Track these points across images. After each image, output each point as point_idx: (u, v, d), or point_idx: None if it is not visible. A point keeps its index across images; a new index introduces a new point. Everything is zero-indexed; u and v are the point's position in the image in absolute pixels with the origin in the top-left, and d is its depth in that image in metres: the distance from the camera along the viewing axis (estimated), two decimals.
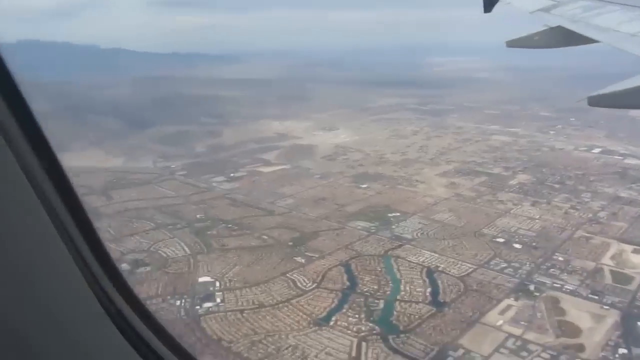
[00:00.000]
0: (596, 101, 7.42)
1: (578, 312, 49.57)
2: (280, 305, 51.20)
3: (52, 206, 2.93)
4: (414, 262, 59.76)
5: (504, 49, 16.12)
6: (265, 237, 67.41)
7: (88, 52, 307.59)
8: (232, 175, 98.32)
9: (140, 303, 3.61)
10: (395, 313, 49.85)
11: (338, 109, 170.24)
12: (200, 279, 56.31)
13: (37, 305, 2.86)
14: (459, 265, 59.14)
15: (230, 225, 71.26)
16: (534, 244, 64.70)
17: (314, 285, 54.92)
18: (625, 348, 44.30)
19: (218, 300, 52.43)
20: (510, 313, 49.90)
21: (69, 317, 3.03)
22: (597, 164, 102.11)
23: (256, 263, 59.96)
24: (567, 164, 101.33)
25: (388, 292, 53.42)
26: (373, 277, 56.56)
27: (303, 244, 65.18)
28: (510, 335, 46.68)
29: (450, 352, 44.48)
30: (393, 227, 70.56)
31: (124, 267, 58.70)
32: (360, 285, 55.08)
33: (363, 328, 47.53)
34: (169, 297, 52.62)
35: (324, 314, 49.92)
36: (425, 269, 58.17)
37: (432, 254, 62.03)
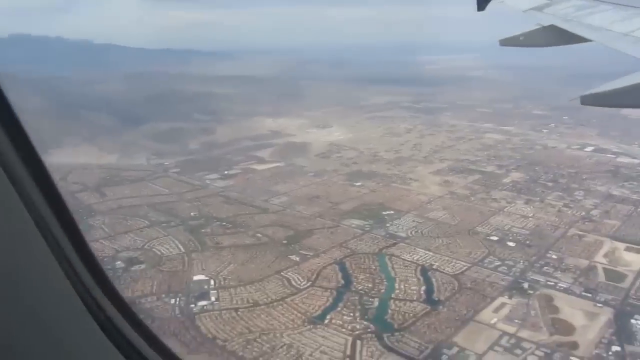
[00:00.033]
0: (589, 100, 7.46)
1: (571, 310, 49.82)
2: (275, 303, 51.13)
3: (34, 204, 2.89)
4: (408, 260, 59.86)
5: (498, 47, 16.14)
6: (259, 235, 67.32)
7: (81, 47, 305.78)
8: (226, 172, 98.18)
9: (124, 301, 3.57)
10: (389, 311, 49.91)
11: (332, 106, 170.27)
12: (195, 277, 56.13)
13: (20, 305, 2.82)
14: (453, 263, 59.31)
15: (224, 223, 71.12)
16: (527, 242, 65.01)
17: (308, 284, 54.90)
18: (618, 346, 44.53)
19: (213, 298, 52.33)
20: (504, 311, 50.07)
21: (51, 315, 2.98)
22: (590, 162, 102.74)
23: (251, 261, 59.87)
24: (560, 162, 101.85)
25: (382, 291, 53.51)
26: (367, 275, 56.63)
27: (297, 242, 65.14)
28: (504, 333, 46.82)
29: (445, 350, 44.56)
30: (387, 225, 70.66)
31: (118, 264, 58.63)
32: (354, 283, 55.10)
33: (358, 326, 47.56)
34: (163, 295, 52.40)
35: (319, 312, 49.90)
36: (419, 267, 58.29)
37: (427, 252, 62.18)
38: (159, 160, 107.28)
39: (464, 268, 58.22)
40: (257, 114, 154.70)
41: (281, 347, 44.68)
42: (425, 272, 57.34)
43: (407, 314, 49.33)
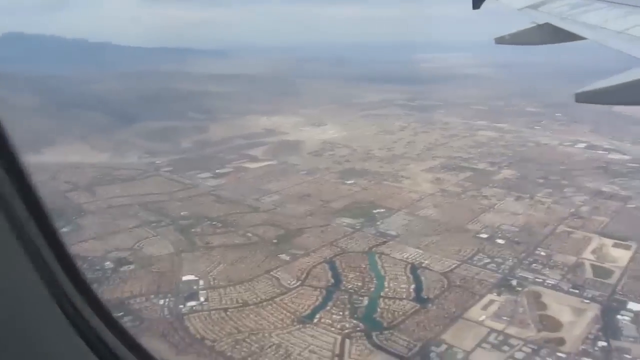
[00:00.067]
0: (583, 97, 7.49)
1: (559, 307, 50.05)
2: (265, 303, 51.15)
3: (10, 206, 2.83)
4: (398, 259, 59.97)
5: (492, 45, 16.17)
6: (249, 234, 67.31)
7: (76, 46, 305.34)
8: (217, 171, 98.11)
9: (101, 303, 3.53)
10: (379, 310, 50.02)
11: (326, 104, 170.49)
12: (184, 278, 56.07)
13: None
14: (442, 261, 59.43)
15: (215, 223, 71.07)
16: (516, 239, 65.24)
17: (298, 283, 54.93)
18: (604, 341, 44.87)
19: (202, 299, 52.28)
20: (493, 308, 50.26)
21: (26, 318, 2.95)
22: (581, 158, 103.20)
23: (240, 261, 59.85)
24: (551, 159, 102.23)
25: (372, 289, 53.61)
26: (357, 274, 56.70)
27: (288, 241, 65.18)
28: (493, 330, 47.00)
29: (433, 348, 44.69)
30: (378, 223, 70.77)
31: (107, 265, 58.48)
32: (344, 282, 55.18)
33: (347, 325, 47.64)
34: (152, 296, 52.31)
35: (308, 311, 49.95)
36: (409, 266, 58.41)
37: (417, 250, 62.29)
38: (151, 159, 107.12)
39: (454, 266, 58.39)
40: (251, 112, 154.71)
41: (270, 347, 44.68)
42: (414, 270, 57.48)
43: (396, 312, 49.44)
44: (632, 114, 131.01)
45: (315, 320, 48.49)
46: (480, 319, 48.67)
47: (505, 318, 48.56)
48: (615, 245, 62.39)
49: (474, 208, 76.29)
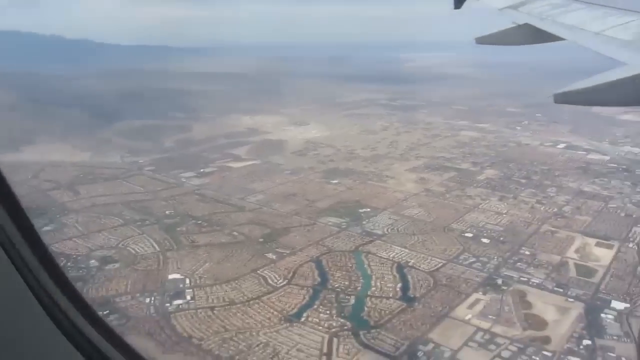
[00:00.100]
0: (561, 98, 7.57)
1: (544, 305, 50.63)
2: (251, 302, 50.92)
3: None
4: (384, 258, 60.17)
5: (474, 45, 16.27)
6: (235, 233, 66.96)
7: (52, 43, 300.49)
8: (201, 170, 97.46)
9: (83, 300, 3.48)
10: (366, 309, 50.05)
11: (309, 104, 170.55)
12: (170, 276, 55.57)
13: None
14: (428, 260, 59.77)
15: (200, 222, 70.57)
16: (501, 238, 65.90)
17: (284, 282, 54.78)
18: (589, 339, 45.48)
19: (188, 297, 51.85)
20: (479, 307, 50.61)
21: (8, 321, 2.90)
22: (562, 159, 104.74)
23: (226, 260, 59.51)
24: (533, 159, 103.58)
25: (359, 288, 53.65)
26: (344, 273, 56.74)
27: (274, 240, 64.97)
28: (479, 328, 47.31)
29: (420, 347, 44.91)
30: (364, 222, 70.93)
31: (92, 263, 57.76)
32: (331, 281, 55.14)
33: (334, 324, 47.59)
34: (138, 294, 51.73)
35: (295, 310, 49.81)
36: (395, 265, 58.62)
37: (403, 249, 62.56)
38: (134, 158, 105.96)
39: (440, 265, 58.74)
40: (234, 111, 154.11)
41: (257, 345, 44.49)
42: (401, 269, 57.69)
43: (383, 311, 49.54)
44: (610, 115, 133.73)
45: (303, 319, 48.30)
46: (467, 317, 48.96)
47: (491, 317, 48.94)
48: (598, 245, 63.36)
49: (458, 208, 76.87)
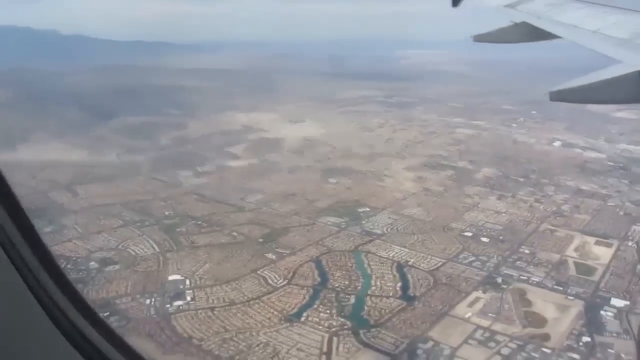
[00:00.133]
0: (557, 96, 7.66)
1: (544, 303, 51.00)
2: (251, 302, 51.03)
3: None
4: (384, 257, 60.36)
5: (471, 43, 16.32)
6: (235, 233, 66.95)
7: (47, 37, 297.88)
8: (199, 169, 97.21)
9: (84, 301, 3.50)
10: (366, 308, 50.30)
11: (305, 101, 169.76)
12: (170, 277, 55.58)
13: None
14: (428, 259, 60.00)
15: (199, 222, 70.48)
16: (500, 237, 66.17)
17: (284, 282, 54.89)
18: (588, 337, 45.92)
19: (188, 298, 51.94)
20: (479, 305, 50.94)
21: (8, 322, 2.93)
22: (559, 157, 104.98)
23: (226, 260, 59.54)
24: (530, 157, 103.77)
25: (359, 287, 53.86)
26: (344, 272, 56.90)
27: (273, 240, 65.02)
28: (479, 326, 47.64)
29: (420, 345, 45.16)
30: (363, 222, 71.05)
31: (92, 265, 57.67)
32: (331, 281, 55.30)
33: (334, 323, 47.81)
34: (138, 295, 51.77)
35: (295, 310, 49.97)
36: (395, 264, 58.83)
37: (402, 248, 62.75)
38: (131, 157, 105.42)
39: (439, 264, 58.99)
40: (229, 108, 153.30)
41: (258, 345, 44.63)
42: (401, 268, 57.92)
43: (383, 310, 49.77)
44: (605, 113, 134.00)
45: (303, 319, 48.53)
46: (467, 315, 49.30)
47: (491, 315, 49.27)
48: (597, 243, 63.79)
49: (457, 207, 77.08)
